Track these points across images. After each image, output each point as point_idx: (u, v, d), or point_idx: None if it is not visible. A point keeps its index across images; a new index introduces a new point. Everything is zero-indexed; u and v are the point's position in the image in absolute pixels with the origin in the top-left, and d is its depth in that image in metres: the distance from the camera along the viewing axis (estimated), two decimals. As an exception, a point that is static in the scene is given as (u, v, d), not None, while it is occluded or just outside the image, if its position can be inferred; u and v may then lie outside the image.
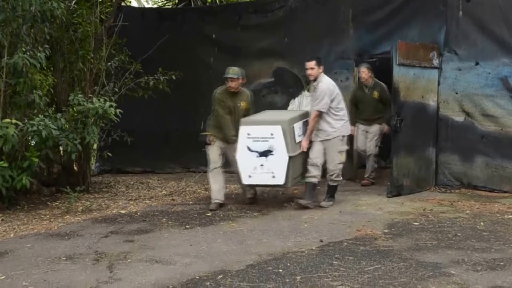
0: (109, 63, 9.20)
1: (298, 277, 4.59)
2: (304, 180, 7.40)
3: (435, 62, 8.51)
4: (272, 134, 6.94)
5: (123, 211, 7.35)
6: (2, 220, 6.89)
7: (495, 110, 8.22)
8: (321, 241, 5.70)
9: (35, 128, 7.19)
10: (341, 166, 7.37)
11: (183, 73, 9.74)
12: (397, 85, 7.97)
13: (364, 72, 9.00)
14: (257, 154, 7.00)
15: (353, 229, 6.18)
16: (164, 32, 10.39)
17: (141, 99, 9.63)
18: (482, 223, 6.41)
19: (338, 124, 7.30)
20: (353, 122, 8.74)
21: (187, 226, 6.45)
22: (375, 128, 9.05)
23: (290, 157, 6.92)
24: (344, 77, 9.50)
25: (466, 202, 7.59)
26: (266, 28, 10.27)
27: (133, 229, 6.37)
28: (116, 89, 9.14)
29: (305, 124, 7.44)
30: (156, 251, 5.41)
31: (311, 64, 7.32)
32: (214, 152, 7.63)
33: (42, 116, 7.48)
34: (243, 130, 7.10)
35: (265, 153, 6.97)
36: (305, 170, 7.34)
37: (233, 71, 7.57)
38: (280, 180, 7.00)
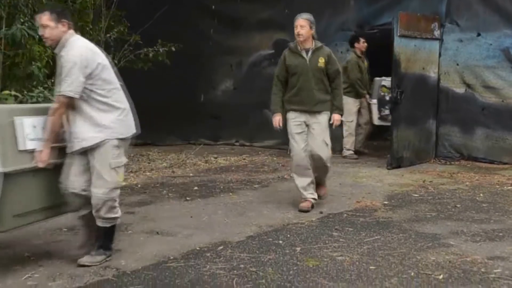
0: (108, 35, 9.12)
1: (298, 248, 4.62)
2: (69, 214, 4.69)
3: (436, 33, 8.46)
4: None
5: (123, 183, 7.35)
6: (3, 192, 6.90)
7: (496, 82, 8.20)
8: (321, 212, 5.72)
9: (34, 100, 7.16)
10: (116, 193, 4.36)
11: (182, 45, 9.67)
12: (397, 56, 7.93)
13: None
14: None
15: (352, 201, 6.21)
16: (164, 3, 10.29)
17: (141, 71, 9.58)
18: (481, 195, 6.44)
19: (107, 119, 4.26)
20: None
21: (187, 198, 6.47)
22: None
23: (5, 175, 3.87)
24: (344, 48, 9.44)
25: (465, 174, 7.61)
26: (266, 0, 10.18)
27: (134, 201, 6.39)
28: (116, 61, 9.08)
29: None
30: (156, 223, 5.44)
31: (44, 19, 4.25)
32: None
33: (42, 88, 7.45)
34: None
35: None
36: (59, 199, 4.35)
37: None
38: None
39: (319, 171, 5.93)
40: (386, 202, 6.15)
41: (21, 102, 7.15)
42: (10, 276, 4.09)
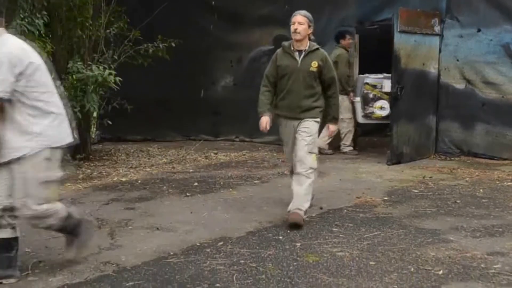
0: (108, 30, 9.11)
1: (298, 244, 4.62)
2: None
3: (437, 29, 8.45)
4: None
5: (123, 179, 7.37)
6: (3, 187, 6.90)
7: (496, 78, 8.19)
8: (321, 208, 5.73)
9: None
10: (45, 211, 3.89)
11: (182, 41, 9.66)
12: (397, 52, 7.93)
13: None
14: None
15: (353, 197, 6.21)
16: (163, -1, 10.28)
17: (141, 67, 9.57)
18: (481, 190, 6.44)
19: (38, 126, 3.82)
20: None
21: (187, 194, 6.47)
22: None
23: None
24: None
25: (465, 170, 7.61)
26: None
27: (134, 196, 6.39)
28: (115, 57, 9.07)
29: None
30: (156, 218, 5.44)
31: None
32: None
33: (41, 83, 7.44)
34: None
35: None
36: None
37: None
38: None
39: (299, 184, 5.21)
40: (386, 198, 6.15)
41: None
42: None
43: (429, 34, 8.35)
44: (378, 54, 9.06)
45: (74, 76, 8.01)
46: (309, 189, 5.22)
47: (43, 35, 8.03)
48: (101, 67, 8.00)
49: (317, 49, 5.35)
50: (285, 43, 5.45)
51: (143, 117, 10.55)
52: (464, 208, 5.71)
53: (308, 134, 5.25)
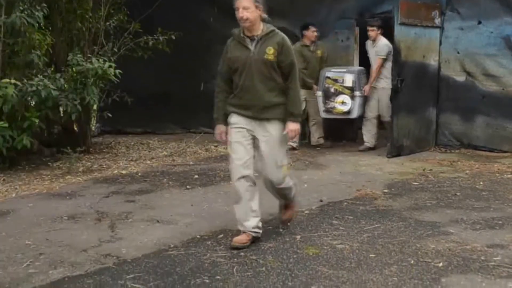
0: (107, 23, 9.10)
1: (298, 236, 4.63)
2: None
3: (437, 21, 8.43)
4: None
5: (123, 172, 7.37)
6: (4, 180, 6.92)
7: (497, 70, 8.18)
8: (321, 201, 5.73)
9: (34, 88, 7.16)
10: None
11: (182, 33, 9.64)
12: (398, 44, 7.92)
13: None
14: None
15: (353, 189, 6.21)
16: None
17: (141, 60, 9.56)
18: (481, 183, 6.44)
19: None
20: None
21: (187, 187, 6.47)
22: None
23: None
24: (345, 36, 9.41)
25: (466, 162, 7.61)
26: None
27: (134, 189, 6.40)
28: (115, 49, 9.06)
29: None
30: (157, 211, 5.45)
31: None
32: None
33: (41, 76, 7.44)
34: None
35: None
36: None
37: None
38: None
39: (276, 195, 4.74)
40: (386, 191, 6.16)
41: (20, 90, 7.15)
42: (11, 264, 4.10)
43: (429, 26, 8.33)
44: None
45: (74, 69, 8.01)
46: (290, 191, 4.70)
47: (43, 27, 8.03)
48: (101, 60, 7.99)
49: (273, 32, 4.48)
50: (235, 30, 4.58)
51: (143, 110, 10.55)
52: (464, 200, 5.71)
53: (274, 142, 4.43)
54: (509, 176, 6.80)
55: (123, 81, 8.43)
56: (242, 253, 4.25)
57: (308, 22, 8.90)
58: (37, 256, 4.26)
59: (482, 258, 4.09)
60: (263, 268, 3.95)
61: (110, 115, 9.07)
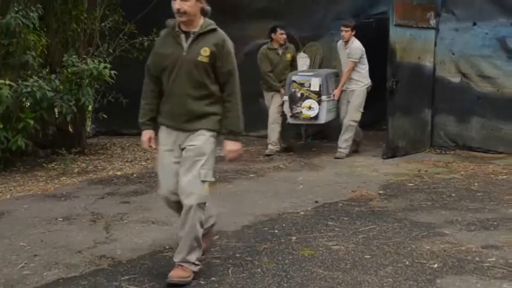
0: (103, 24, 9.08)
1: (294, 238, 4.63)
2: None
3: (432, 22, 8.45)
4: None
5: (119, 173, 7.36)
6: (-2, 181, 6.91)
7: (492, 71, 8.19)
8: (316, 202, 5.73)
9: (29, 89, 7.14)
10: None
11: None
12: (393, 46, 7.92)
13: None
14: None
15: (348, 190, 6.22)
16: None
17: (136, 60, 9.53)
18: (476, 184, 6.45)
19: None
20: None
21: (183, 188, 6.45)
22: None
23: None
24: (339, 37, 9.40)
25: (461, 163, 7.62)
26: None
27: (129, 190, 6.39)
28: (111, 50, 9.04)
29: None
30: (152, 212, 5.44)
31: None
32: None
33: (36, 77, 7.42)
34: None
35: None
36: None
37: None
38: None
39: (183, 225, 3.84)
40: (381, 192, 6.16)
41: (15, 91, 7.14)
42: (6, 265, 4.09)
43: (424, 27, 8.34)
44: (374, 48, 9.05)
45: (69, 70, 7.98)
46: (196, 231, 3.78)
47: (38, 28, 8.00)
48: (96, 61, 7.98)
49: (213, 30, 3.82)
50: (170, 21, 3.88)
51: (139, 111, 10.52)
52: (459, 201, 5.72)
53: (199, 153, 3.74)
54: (504, 177, 6.81)
55: (118, 82, 8.42)
56: (237, 255, 4.24)
57: (276, 24, 8.59)
58: (31, 257, 4.25)
59: (477, 259, 4.10)
60: (258, 270, 3.95)
61: (105, 116, 9.05)
